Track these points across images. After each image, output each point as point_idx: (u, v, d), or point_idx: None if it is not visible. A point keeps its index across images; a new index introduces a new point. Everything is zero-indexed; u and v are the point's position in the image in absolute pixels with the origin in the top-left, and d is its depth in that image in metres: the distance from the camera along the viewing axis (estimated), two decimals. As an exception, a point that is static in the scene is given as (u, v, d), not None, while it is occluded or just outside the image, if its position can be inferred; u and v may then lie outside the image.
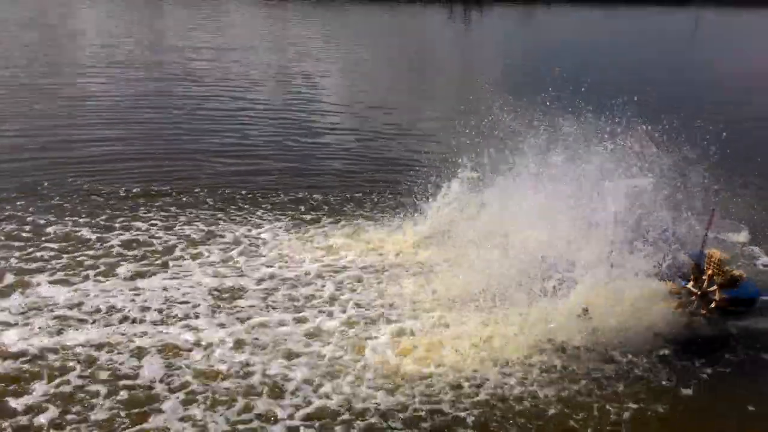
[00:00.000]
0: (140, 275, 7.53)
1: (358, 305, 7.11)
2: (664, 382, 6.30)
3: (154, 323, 6.62)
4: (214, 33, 32.64)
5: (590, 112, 8.93)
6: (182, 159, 11.80)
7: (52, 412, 5.28)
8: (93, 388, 5.59)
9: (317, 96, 18.40)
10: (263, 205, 9.73)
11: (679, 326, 7.08)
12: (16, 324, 6.41)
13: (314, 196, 10.24)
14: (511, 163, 8.36)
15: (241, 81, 19.90)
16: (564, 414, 5.75)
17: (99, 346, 6.16)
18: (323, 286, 7.48)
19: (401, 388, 5.81)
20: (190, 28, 34.44)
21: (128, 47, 25.51)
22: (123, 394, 5.55)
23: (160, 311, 6.85)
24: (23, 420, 5.16)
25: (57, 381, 5.60)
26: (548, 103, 9.96)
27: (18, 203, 9.27)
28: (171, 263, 7.86)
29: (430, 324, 6.77)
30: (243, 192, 10.17)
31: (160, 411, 5.39)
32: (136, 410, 5.39)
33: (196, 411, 5.42)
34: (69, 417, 5.23)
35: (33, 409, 5.28)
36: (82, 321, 6.59)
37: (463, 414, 5.62)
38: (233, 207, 9.66)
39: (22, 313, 6.59)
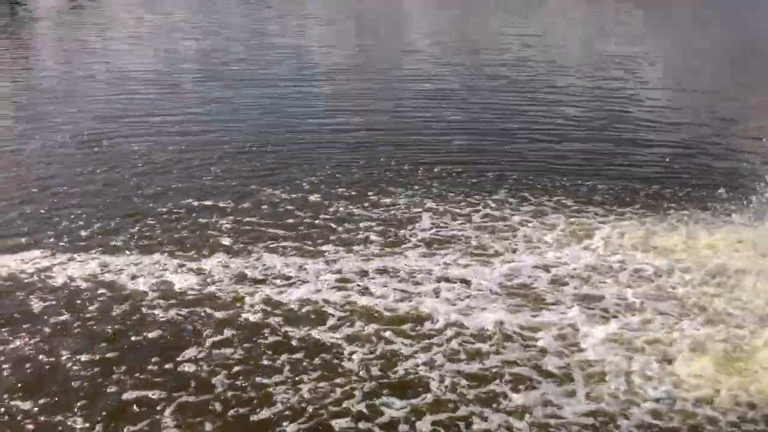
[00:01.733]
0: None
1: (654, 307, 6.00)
2: None
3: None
4: (527, 21, 32.26)
5: None
6: (491, 139, 11.36)
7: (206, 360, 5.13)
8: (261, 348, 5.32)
9: (636, 84, 16.88)
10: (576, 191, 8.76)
11: None
12: (200, 279, 6.26)
13: (632, 185, 9.04)
14: None
15: (559, 67, 18.97)
16: None
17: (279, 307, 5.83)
18: (619, 283, 6.40)
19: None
20: (506, 15, 34.62)
21: (444, 37, 25.72)
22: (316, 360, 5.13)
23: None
24: (188, 367, 5.10)
25: (217, 337, 5.46)
26: None
27: (308, 169, 9.15)
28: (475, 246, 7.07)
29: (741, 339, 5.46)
30: (544, 177, 9.27)
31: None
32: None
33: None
34: (227, 367, 5.05)
35: (194, 359, 5.24)
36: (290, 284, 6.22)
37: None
38: (535, 190, 8.72)
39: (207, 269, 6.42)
